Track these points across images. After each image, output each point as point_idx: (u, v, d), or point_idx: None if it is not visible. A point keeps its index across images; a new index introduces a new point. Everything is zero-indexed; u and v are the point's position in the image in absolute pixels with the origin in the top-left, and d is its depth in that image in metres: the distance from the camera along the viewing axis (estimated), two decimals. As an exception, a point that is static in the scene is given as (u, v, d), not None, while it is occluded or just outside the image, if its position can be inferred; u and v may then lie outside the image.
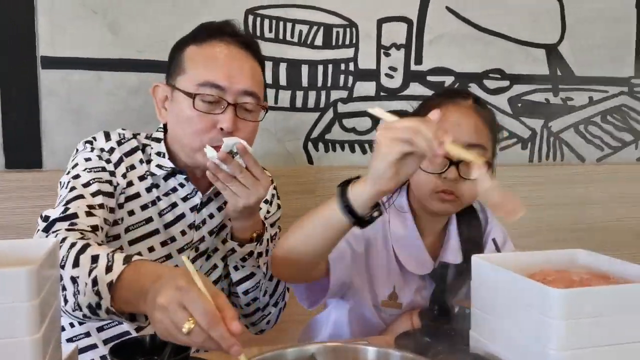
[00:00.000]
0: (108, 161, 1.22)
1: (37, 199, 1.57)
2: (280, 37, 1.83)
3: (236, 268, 1.31)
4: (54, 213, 1.10)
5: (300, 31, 1.85)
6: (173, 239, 1.27)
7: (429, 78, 2.00)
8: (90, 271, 0.93)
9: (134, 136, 1.29)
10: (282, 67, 1.84)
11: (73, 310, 0.96)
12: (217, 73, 1.20)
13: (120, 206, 1.22)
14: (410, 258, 1.35)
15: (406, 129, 0.91)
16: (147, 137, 1.31)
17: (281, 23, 1.83)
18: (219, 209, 1.32)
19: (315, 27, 1.86)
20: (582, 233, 2.14)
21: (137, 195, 1.24)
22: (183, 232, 1.28)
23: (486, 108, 1.36)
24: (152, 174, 1.26)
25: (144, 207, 1.25)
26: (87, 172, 1.19)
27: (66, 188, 1.17)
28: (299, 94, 1.87)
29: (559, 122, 2.18)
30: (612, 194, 2.18)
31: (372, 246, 1.35)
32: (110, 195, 1.19)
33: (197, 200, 1.29)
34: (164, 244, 1.26)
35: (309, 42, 1.86)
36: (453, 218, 1.42)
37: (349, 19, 1.89)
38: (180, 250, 1.28)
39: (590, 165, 2.22)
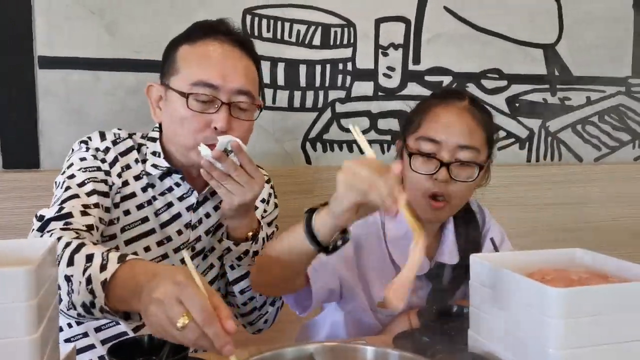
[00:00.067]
0: (103, 161, 1.22)
1: (34, 199, 1.56)
2: (278, 36, 1.83)
3: (232, 267, 1.31)
4: (49, 212, 1.10)
5: (298, 31, 1.85)
6: (169, 239, 1.27)
7: (427, 78, 2.00)
8: (85, 270, 0.93)
9: (130, 136, 1.28)
10: (280, 67, 1.84)
11: (67, 309, 0.96)
12: (210, 72, 1.19)
13: (116, 206, 1.22)
14: (406, 258, 1.35)
15: (364, 179, 0.91)
16: (142, 137, 1.30)
17: (279, 23, 1.83)
18: (215, 208, 1.32)
19: (313, 27, 1.86)
20: (579, 232, 2.14)
21: (132, 194, 1.24)
22: (179, 232, 1.28)
23: (482, 109, 1.35)
24: (148, 174, 1.26)
25: (139, 207, 1.25)
26: (82, 171, 1.19)
27: (61, 188, 1.17)
28: (297, 94, 1.87)
29: (556, 122, 2.18)
30: (610, 193, 2.19)
31: (363, 247, 1.34)
32: (105, 194, 1.19)
33: (193, 199, 1.29)
34: (160, 243, 1.26)
35: (306, 42, 1.86)
36: (450, 218, 1.41)
37: (347, 19, 1.89)
38: (177, 250, 1.28)
39: (588, 165, 2.22)
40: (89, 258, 0.94)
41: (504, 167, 2.05)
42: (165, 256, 1.27)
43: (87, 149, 1.23)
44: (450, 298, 1.37)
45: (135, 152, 1.26)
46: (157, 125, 1.30)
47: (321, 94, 1.90)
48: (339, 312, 1.42)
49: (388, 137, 1.98)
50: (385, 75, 1.96)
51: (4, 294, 0.67)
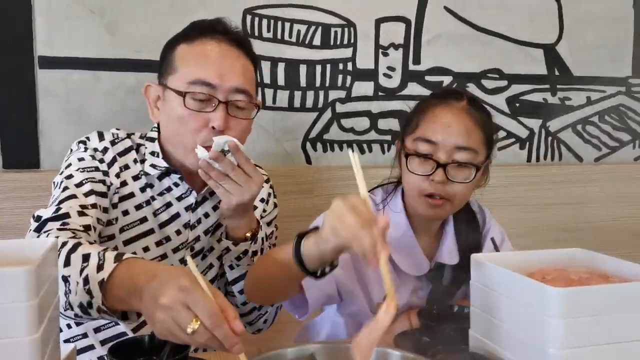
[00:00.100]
0: (101, 161, 1.22)
1: (34, 199, 1.56)
2: (279, 36, 1.83)
3: (231, 267, 1.31)
4: (46, 213, 1.10)
5: (299, 31, 1.85)
6: (168, 239, 1.27)
7: (427, 78, 2.00)
8: (82, 270, 0.93)
9: (128, 136, 1.28)
10: (280, 67, 1.84)
11: (65, 310, 0.96)
12: (207, 71, 1.19)
13: (115, 206, 1.22)
14: (405, 259, 1.35)
15: (348, 229, 0.90)
16: (141, 137, 1.30)
17: (279, 23, 1.83)
18: (214, 208, 1.32)
19: (313, 27, 1.86)
20: (580, 233, 2.14)
21: (131, 195, 1.24)
22: (178, 232, 1.28)
23: (481, 110, 1.33)
24: (146, 174, 1.26)
25: (138, 207, 1.25)
26: (80, 172, 1.19)
27: (59, 188, 1.17)
28: (297, 94, 1.87)
29: (556, 122, 2.18)
30: (610, 193, 2.19)
31: None
32: (103, 195, 1.19)
33: (191, 199, 1.29)
34: (159, 243, 1.26)
35: (307, 42, 1.86)
36: (449, 218, 1.41)
37: (347, 19, 1.89)
38: (176, 250, 1.28)
39: (588, 165, 2.22)
40: (86, 258, 0.94)
41: (504, 167, 2.05)
42: (164, 256, 1.27)
43: (86, 149, 1.23)
44: (451, 298, 1.37)
45: (133, 152, 1.26)
46: (156, 125, 1.30)
47: (321, 94, 1.90)
48: (339, 313, 1.42)
49: (388, 137, 1.98)
50: (385, 75, 1.96)
51: (5, 293, 0.67)
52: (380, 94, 1.96)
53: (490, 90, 2.08)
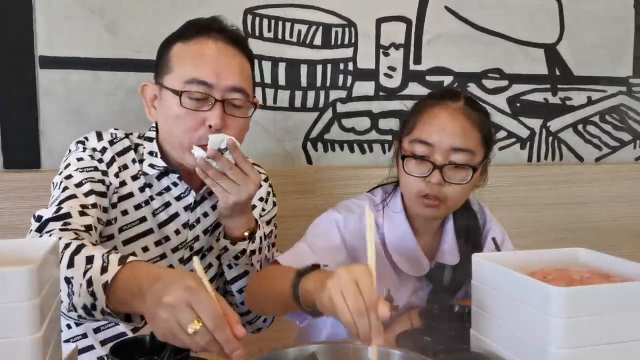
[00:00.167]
0: (100, 161, 1.22)
1: (35, 199, 1.56)
2: (279, 36, 1.83)
3: (230, 266, 1.31)
4: (47, 213, 1.09)
5: (299, 31, 1.85)
6: (167, 239, 1.27)
7: (428, 78, 2.00)
8: (85, 272, 0.93)
9: (127, 136, 1.28)
10: (281, 66, 1.84)
11: (68, 311, 0.96)
12: (204, 70, 1.19)
13: (114, 206, 1.22)
14: (405, 260, 1.34)
15: (347, 309, 0.84)
16: (139, 137, 1.30)
17: (280, 23, 1.83)
18: (213, 207, 1.32)
19: (314, 27, 1.86)
20: (580, 232, 2.14)
21: (130, 194, 1.24)
22: (177, 232, 1.28)
23: (478, 110, 1.32)
24: (145, 174, 1.26)
25: (137, 207, 1.24)
26: (80, 172, 1.18)
27: (59, 188, 1.17)
28: (298, 94, 1.87)
29: (557, 122, 2.18)
30: (611, 193, 2.19)
31: (360, 251, 1.33)
32: (103, 194, 1.19)
33: (190, 199, 1.29)
34: (158, 243, 1.26)
35: (307, 41, 1.86)
36: (450, 218, 1.40)
37: (348, 19, 1.89)
38: (175, 250, 1.28)
39: (589, 165, 2.22)
40: (89, 260, 0.94)
41: (504, 167, 2.05)
42: (163, 256, 1.27)
43: (84, 149, 1.22)
44: (451, 299, 1.37)
45: (132, 152, 1.26)
46: (154, 124, 1.30)
47: (322, 93, 1.90)
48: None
49: (389, 137, 1.98)
50: (386, 75, 1.96)
51: (6, 293, 0.67)
52: (381, 94, 1.96)
53: (490, 90, 2.08)
